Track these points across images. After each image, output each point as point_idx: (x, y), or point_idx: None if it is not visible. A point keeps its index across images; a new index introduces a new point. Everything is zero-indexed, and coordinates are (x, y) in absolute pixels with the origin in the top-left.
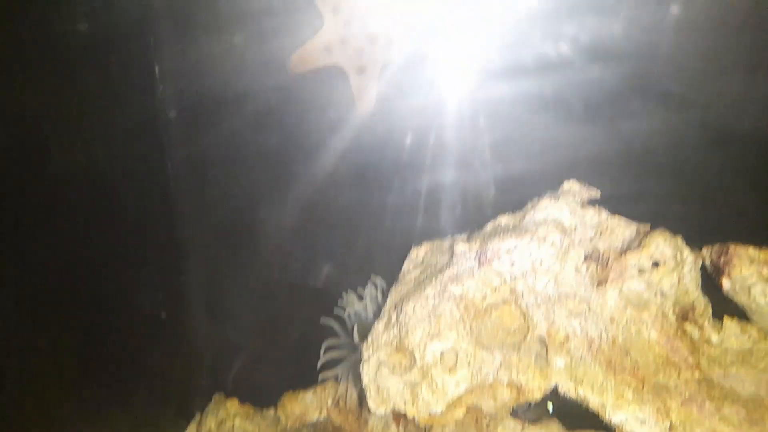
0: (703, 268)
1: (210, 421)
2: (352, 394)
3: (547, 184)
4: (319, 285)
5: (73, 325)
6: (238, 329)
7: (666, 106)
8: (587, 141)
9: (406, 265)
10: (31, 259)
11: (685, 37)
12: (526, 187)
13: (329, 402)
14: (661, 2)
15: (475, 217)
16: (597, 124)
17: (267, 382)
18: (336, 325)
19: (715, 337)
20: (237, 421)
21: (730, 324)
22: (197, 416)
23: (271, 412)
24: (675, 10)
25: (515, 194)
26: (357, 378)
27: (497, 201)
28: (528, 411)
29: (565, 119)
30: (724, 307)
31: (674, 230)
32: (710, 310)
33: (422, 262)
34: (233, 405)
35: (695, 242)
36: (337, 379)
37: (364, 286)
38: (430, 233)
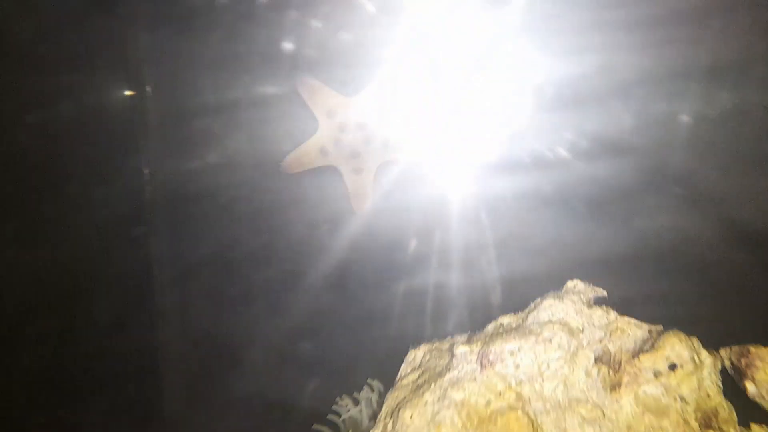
0: (724, 370)
1: None
2: None
3: (554, 284)
4: (312, 390)
5: None
6: None
7: (681, 202)
8: (597, 240)
9: (403, 369)
10: None
11: (702, 129)
12: (531, 286)
13: None
14: (674, 94)
15: (476, 317)
16: (607, 222)
17: None
18: None
19: None
20: None
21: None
22: None
23: None
24: (690, 102)
25: (519, 294)
26: None
27: (501, 301)
28: None
29: (574, 217)
30: (750, 412)
31: (688, 332)
32: (735, 417)
33: (420, 365)
34: None
35: (711, 344)
36: None
37: (359, 390)
38: (429, 334)
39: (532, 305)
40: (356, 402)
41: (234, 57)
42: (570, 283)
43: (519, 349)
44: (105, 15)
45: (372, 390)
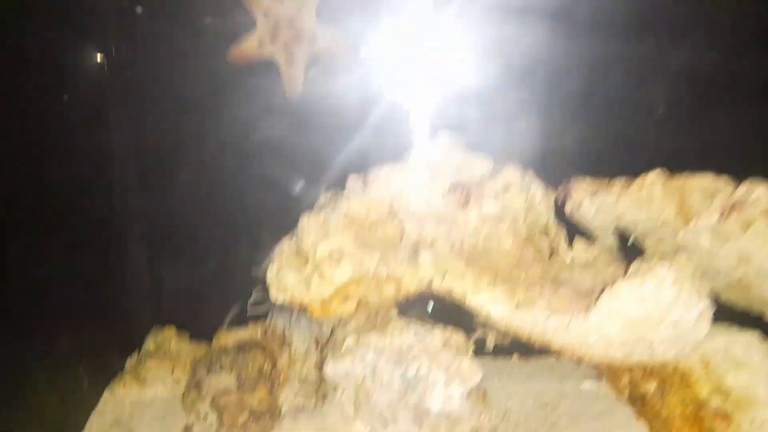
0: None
1: (149, 344)
2: (278, 325)
3: None
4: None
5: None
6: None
7: None
8: None
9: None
10: None
11: None
12: None
13: (259, 333)
14: None
15: None
16: None
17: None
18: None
19: (570, 253)
20: (173, 343)
21: (578, 242)
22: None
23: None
24: None
25: None
26: (281, 313)
27: None
28: (411, 309)
29: None
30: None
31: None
32: (564, 234)
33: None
34: (171, 331)
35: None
36: (265, 317)
37: None
38: None
39: (412, 149)
40: None
41: None
42: (439, 137)
43: (391, 173)
44: None
45: None
